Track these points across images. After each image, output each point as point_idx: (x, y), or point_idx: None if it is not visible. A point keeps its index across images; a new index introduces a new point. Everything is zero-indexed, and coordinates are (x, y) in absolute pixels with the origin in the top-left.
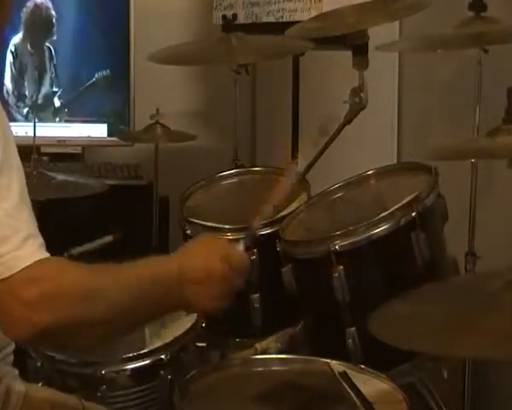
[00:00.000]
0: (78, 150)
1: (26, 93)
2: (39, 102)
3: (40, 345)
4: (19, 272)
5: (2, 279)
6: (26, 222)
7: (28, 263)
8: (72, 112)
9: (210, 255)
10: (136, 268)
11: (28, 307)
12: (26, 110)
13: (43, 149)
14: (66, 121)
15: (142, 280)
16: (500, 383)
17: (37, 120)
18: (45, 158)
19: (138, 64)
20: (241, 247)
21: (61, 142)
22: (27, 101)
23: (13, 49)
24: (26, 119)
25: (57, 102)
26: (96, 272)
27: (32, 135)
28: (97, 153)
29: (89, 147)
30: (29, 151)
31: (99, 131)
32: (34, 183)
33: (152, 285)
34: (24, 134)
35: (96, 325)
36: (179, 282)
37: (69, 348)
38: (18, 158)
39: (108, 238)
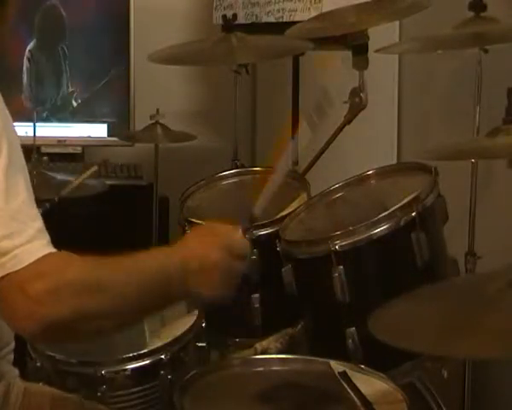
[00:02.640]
0: (78, 150)
1: (46, 97)
2: (58, 103)
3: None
4: (27, 266)
5: (13, 272)
6: (35, 218)
7: (37, 257)
8: (89, 110)
9: (209, 245)
10: (140, 260)
11: (34, 302)
12: (45, 114)
13: (43, 149)
14: (86, 122)
15: (146, 271)
16: (500, 383)
17: (55, 121)
18: (45, 158)
19: (138, 64)
20: (239, 232)
21: (61, 142)
22: (47, 105)
23: (29, 56)
24: (46, 121)
25: (74, 103)
26: (101, 265)
27: (32, 135)
28: (97, 153)
29: (89, 147)
30: (29, 151)
31: (99, 131)
32: (34, 183)
33: (155, 276)
34: (24, 134)
35: (101, 318)
36: (181, 272)
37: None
38: (23, 159)
39: (94, 168)
